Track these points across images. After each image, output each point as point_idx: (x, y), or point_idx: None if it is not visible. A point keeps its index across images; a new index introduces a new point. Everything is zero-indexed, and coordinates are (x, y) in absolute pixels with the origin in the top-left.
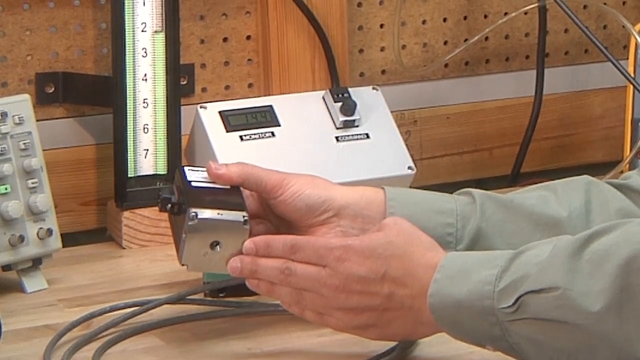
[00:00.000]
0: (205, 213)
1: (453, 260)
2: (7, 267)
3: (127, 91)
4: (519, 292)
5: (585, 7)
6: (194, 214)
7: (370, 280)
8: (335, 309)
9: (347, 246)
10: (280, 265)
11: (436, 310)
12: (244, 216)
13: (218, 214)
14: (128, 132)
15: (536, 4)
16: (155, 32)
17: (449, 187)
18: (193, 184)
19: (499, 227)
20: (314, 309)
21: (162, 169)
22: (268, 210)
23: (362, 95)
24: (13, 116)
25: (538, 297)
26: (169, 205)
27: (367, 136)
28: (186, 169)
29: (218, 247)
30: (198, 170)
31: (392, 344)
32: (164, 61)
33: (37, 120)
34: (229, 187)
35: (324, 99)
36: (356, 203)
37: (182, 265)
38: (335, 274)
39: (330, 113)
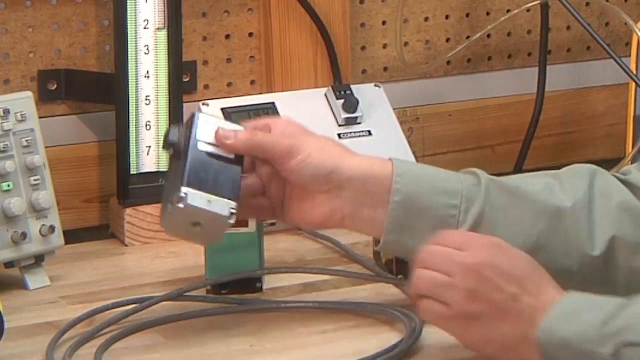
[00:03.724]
0: (195, 199)
1: (573, 298)
2: (9, 264)
3: (130, 88)
4: (620, 342)
5: (587, 4)
6: (184, 194)
7: (505, 273)
8: (453, 288)
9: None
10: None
11: (542, 344)
12: (231, 208)
13: (208, 201)
14: (130, 129)
15: (538, 1)
16: (158, 29)
17: None
18: (199, 145)
19: (502, 212)
20: (427, 287)
21: (164, 166)
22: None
23: (364, 92)
24: (15, 113)
25: (637, 350)
26: (172, 150)
27: (370, 133)
28: (201, 118)
29: (199, 227)
30: (211, 123)
31: (394, 341)
32: (166, 58)
33: (40, 117)
34: (232, 156)
35: (326, 96)
36: (360, 177)
37: (162, 227)
38: (474, 255)
39: (332, 110)
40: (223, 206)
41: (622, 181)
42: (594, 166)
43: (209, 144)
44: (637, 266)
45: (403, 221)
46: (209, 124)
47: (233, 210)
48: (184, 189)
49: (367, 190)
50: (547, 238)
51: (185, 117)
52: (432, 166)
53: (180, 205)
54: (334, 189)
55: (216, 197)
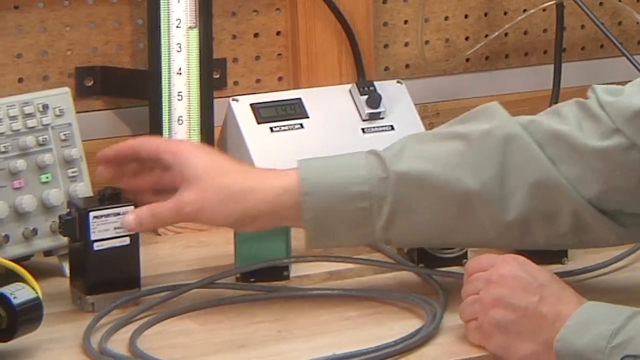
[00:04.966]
0: (103, 303)
1: (588, 309)
2: (48, 253)
3: (163, 84)
4: (623, 354)
5: (601, 4)
6: (91, 302)
7: (527, 284)
8: (478, 301)
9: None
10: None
11: (559, 354)
12: (135, 296)
13: (113, 299)
14: (163, 123)
15: (554, 1)
16: (190, 27)
17: None
18: (95, 246)
19: (413, 205)
20: (463, 312)
21: None
22: None
23: (387, 88)
24: (54, 108)
25: None
26: (68, 238)
27: (392, 128)
28: (92, 216)
29: None
30: (103, 217)
31: (415, 327)
32: (198, 56)
33: (77, 112)
34: (128, 241)
35: (350, 92)
36: (269, 212)
37: None
38: (498, 270)
39: (356, 106)
40: (129, 295)
41: (551, 132)
42: (510, 128)
43: (105, 239)
44: (552, 234)
45: (321, 231)
46: (101, 219)
47: (137, 295)
48: (89, 298)
49: (281, 216)
50: (459, 220)
51: (216, 114)
52: (341, 160)
53: (90, 309)
54: (249, 224)
55: (121, 292)
